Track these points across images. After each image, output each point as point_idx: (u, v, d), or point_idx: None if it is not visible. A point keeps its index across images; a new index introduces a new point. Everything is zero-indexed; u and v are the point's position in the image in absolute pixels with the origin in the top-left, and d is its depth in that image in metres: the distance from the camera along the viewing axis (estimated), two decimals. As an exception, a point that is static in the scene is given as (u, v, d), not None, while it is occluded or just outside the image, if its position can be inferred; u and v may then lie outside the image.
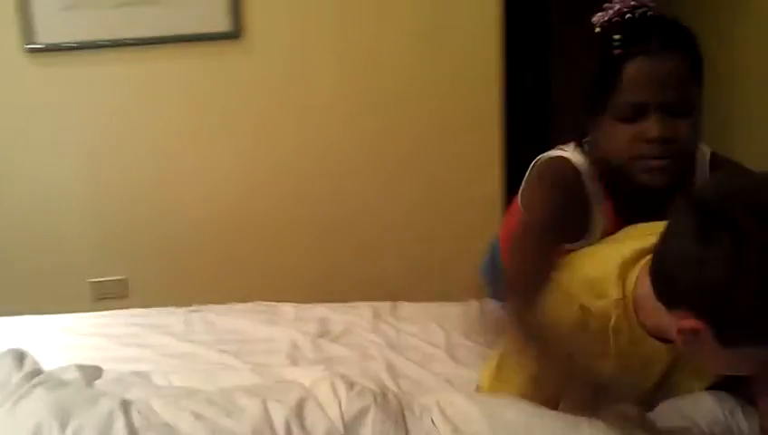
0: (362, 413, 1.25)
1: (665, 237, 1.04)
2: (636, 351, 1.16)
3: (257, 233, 2.72)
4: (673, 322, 1.02)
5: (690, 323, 0.98)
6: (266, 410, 1.20)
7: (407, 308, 1.91)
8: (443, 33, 2.62)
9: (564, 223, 1.34)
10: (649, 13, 1.30)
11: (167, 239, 2.71)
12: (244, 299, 2.05)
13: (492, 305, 1.69)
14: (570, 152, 1.40)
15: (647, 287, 1.09)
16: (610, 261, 1.18)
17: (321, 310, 1.89)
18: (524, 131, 3.30)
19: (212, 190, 2.69)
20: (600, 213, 1.38)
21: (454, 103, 2.68)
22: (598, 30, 1.34)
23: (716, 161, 1.39)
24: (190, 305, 1.99)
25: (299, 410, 1.24)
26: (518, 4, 2.90)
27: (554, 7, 4.88)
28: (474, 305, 1.90)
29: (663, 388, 1.24)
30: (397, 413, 1.29)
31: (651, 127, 1.26)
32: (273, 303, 1.97)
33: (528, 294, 1.25)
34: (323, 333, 1.75)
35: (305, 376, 1.49)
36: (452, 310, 1.89)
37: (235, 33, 2.54)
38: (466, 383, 1.51)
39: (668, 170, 1.29)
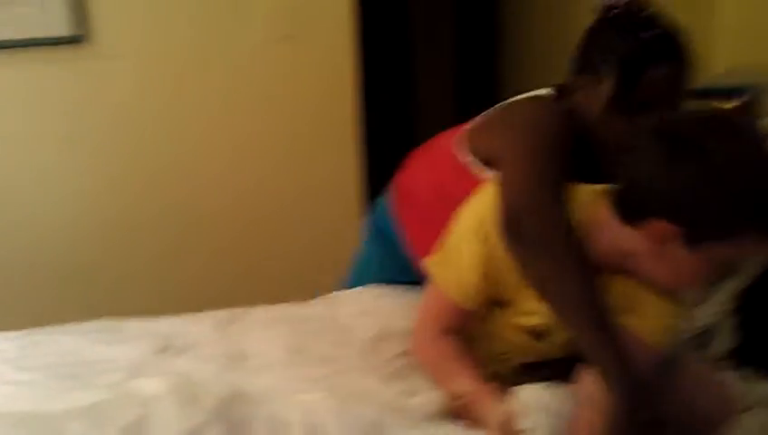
0: (202, 428, 1.24)
1: (632, 163, 1.19)
2: None
3: (103, 245, 2.63)
4: (638, 237, 1.18)
5: (663, 227, 1.13)
6: (96, 432, 1.17)
7: (252, 314, 1.91)
8: (297, 37, 2.64)
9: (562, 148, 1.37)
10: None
11: (6, 256, 2.59)
12: (90, 317, 1.99)
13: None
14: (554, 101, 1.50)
15: (603, 214, 1.23)
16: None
17: (166, 324, 1.86)
18: (387, 131, 3.36)
19: (57, 202, 2.60)
20: None
21: (309, 107, 2.71)
22: (616, 10, 1.43)
23: None
24: (35, 327, 1.91)
25: (134, 430, 1.22)
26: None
27: (414, 8, 4.95)
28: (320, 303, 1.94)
29: None
30: (239, 424, 1.29)
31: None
32: (117, 320, 1.91)
33: (544, 190, 1.28)
34: (166, 347, 1.72)
35: (146, 393, 1.47)
36: (297, 312, 1.91)
37: (79, 38, 2.44)
38: (314, 384, 1.53)
39: None
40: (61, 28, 2.42)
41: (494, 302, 1.36)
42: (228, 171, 2.72)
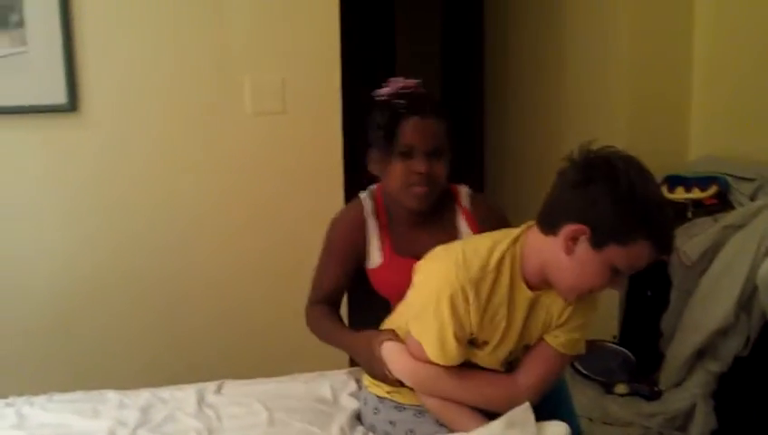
0: None
1: (553, 189, 1.50)
2: (511, 293, 1.54)
3: (88, 313, 2.64)
4: (555, 242, 1.46)
5: (576, 227, 1.42)
6: None
7: (231, 388, 1.92)
8: (288, 111, 2.70)
9: (346, 248, 1.88)
10: (421, 90, 1.85)
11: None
12: (69, 388, 1.99)
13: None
14: (361, 193, 1.93)
15: (531, 237, 1.54)
16: (483, 241, 1.60)
17: (146, 396, 1.87)
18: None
19: (44, 267, 2.60)
20: (379, 248, 1.86)
21: (298, 178, 2.74)
22: (382, 99, 1.82)
23: (474, 195, 1.92)
24: (11, 396, 1.91)
25: None
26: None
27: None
28: (302, 378, 1.97)
29: (522, 337, 1.59)
30: None
31: (418, 164, 1.76)
32: (97, 391, 1.92)
33: (314, 296, 1.92)
34: (144, 422, 1.73)
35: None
36: (276, 387, 1.93)
37: (70, 106, 2.51)
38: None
39: (427, 197, 1.80)
40: (56, 97, 2.50)
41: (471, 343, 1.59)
42: (213, 240, 2.73)
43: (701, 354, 2.72)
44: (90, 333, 2.65)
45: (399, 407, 1.69)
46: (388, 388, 1.70)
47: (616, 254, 1.41)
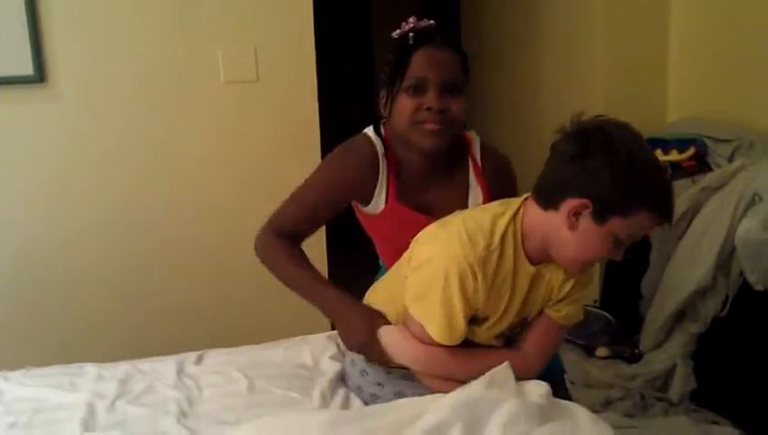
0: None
1: (548, 163, 1.46)
2: (515, 268, 1.51)
3: (61, 288, 2.61)
4: (556, 217, 1.43)
5: (578, 201, 1.39)
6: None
7: (211, 358, 1.90)
8: (262, 80, 2.66)
9: (354, 182, 1.71)
10: (433, 24, 1.70)
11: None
12: (45, 363, 1.96)
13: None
14: (368, 132, 1.76)
15: (529, 211, 1.50)
16: (482, 215, 1.53)
17: (125, 368, 1.85)
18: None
19: (12, 241, 2.56)
20: (384, 193, 1.72)
21: (270, 153, 2.71)
22: (395, 36, 1.69)
23: (485, 146, 1.81)
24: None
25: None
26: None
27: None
28: (282, 345, 1.95)
29: (521, 312, 1.57)
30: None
31: (430, 98, 1.63)
32: (75, 364, 1.90)
33: (278, 224, 1.73)
34: (123, 393, 1.71)
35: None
36: (256, 354, 1.91)
37: (38, 78, 2.45)
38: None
39: (441, 134, 1.65)
40: (23, 68, 2.44)
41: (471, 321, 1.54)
42: (189, 209, 2.70)
43: (680, 316, 2.74)
44: (63, 308, 2.62)
45: (388, 369, 1.66)
46: None
47: (618, 225, 1.40)
